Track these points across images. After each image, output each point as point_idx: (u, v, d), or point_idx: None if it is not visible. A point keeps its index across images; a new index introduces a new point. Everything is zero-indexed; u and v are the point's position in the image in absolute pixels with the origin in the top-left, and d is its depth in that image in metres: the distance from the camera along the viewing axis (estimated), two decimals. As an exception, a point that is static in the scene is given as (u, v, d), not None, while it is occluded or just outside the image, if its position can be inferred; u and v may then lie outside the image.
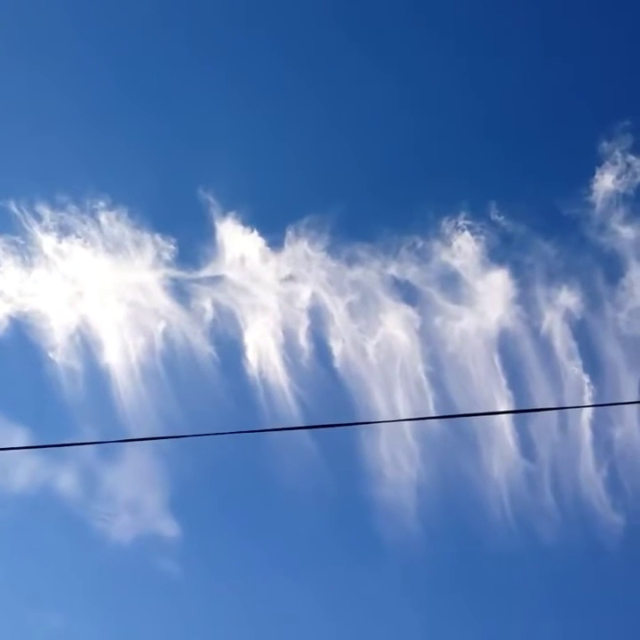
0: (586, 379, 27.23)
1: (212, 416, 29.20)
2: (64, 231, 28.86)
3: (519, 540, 27.42)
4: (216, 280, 29.58)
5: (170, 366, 29.84)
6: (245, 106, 32.01)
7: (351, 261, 29.13)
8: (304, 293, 29.58)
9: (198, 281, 29.55)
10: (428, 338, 28.74)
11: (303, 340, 29.50)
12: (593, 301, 27.72)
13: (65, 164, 30.60)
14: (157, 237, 29.11)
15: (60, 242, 28.91)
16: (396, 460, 28.41)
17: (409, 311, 28.88)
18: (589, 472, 26.76)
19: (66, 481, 29.17)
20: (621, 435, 26.70)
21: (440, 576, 28.77)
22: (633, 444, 26.52)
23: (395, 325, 29.02)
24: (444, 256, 28.60)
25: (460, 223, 28.37)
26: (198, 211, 29.57)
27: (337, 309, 29.31)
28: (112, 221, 28.94)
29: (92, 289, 29.80)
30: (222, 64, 31.46)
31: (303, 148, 32.23)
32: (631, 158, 27.42)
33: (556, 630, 27.19)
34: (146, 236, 29.12)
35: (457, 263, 28.52)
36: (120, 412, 29.12)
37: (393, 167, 31.94)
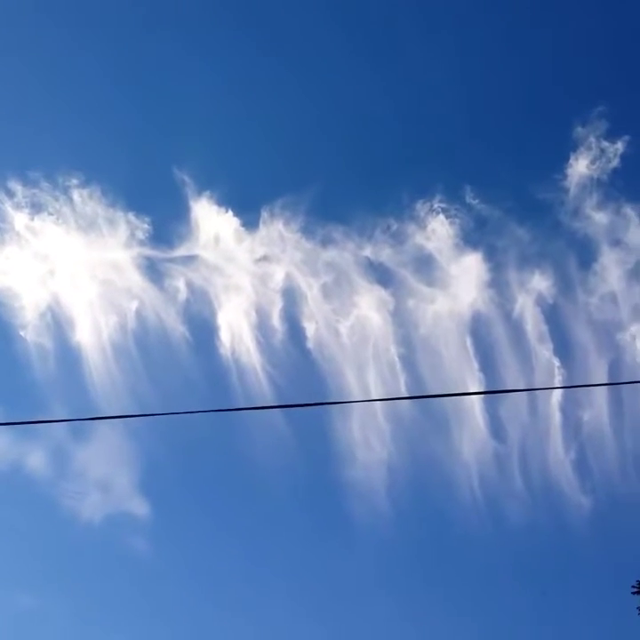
0: (556, 362, 27.50)
1: (185, 395, 29.20)
2: (36, 208, 28.62)
3: (488, 520, 27.71)
4: (190, 260, 29.51)
5: (142, 345, 29.77)
6: (223, 86, 31.82)
7: (326, 243, 29.17)
8: (278, 274, 29.59)
9: (172, 260, 29.47)
10: (401, 320, 28.87)
11: (277, 321, 29.53)
12: (565, 286, 27.95)
13: (38, 139, 30.32)
14: (131, 216, 28.97)
15: (32, 219, 28.66)
16: (368, 441, 28.57)
17: (382, 293, 28.99)
18: (558, 454, 27.05)
19: (36, 459, 29.06)
20: (590, 417, 27.01)
21: (410, 556, 29.02)
22: (601, 427, 26.83)
23: (368, 307, 29.11)
24: (419, 239, 28.70)
25: (435, 206, 28.46)
26: (173, 190, 29.44)
27: (311, 290, 29.35)
28: (85, 199, 28.74)
29: (64, 267, 29.60)
30: (200, 44, 31.23)
31: (279, 129, 32.11)
32: (605, 144, 27.60)
33: (523, 608, 27.52)
34: (119, 215, 28.97)
35: (431, 246, 28.62)
36: (91, 390, 29.03)
37: (369, 149, 31.93)
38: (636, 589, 16.45)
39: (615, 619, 24.14)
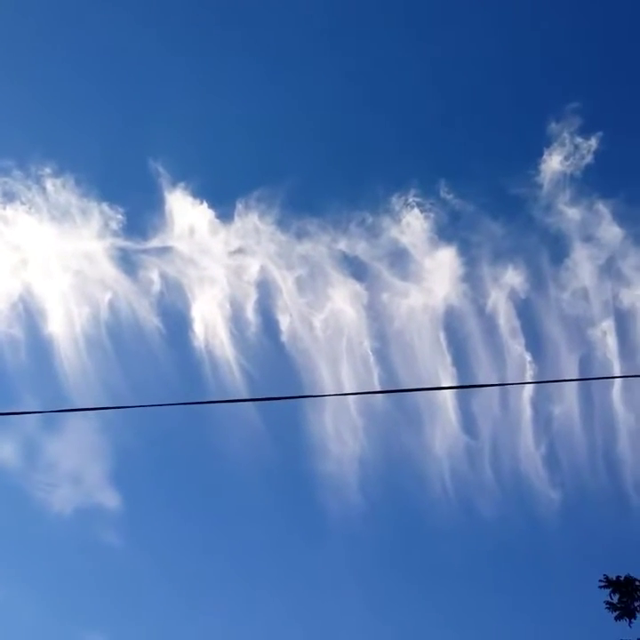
0: (528, 357, 27.67)
1: (158, 387, 29.08)
2: (8, 197, 28.34)
3: (459, 514, 27.87)
4: (164, 251, 29.37)
5: (115, 337, 29.60)
6: (199, 77, 31.65)
7: (301, 235, 29.13)
8: (253, 266, 29.52)
9: (146, 251, 29.31)
10: (375, 313, 28.91)
11: (251, 314, 29.47)
12: (537, 281, 28.11)
13: (10, 128, 30.02)
14: (105, 206, 28.76)
15: (3, 208, 28.37)
16: (341, 434, 28.61)
17: (357, 287, 29.01)
18: (529, 448, 27.26)
19: (6, 450, 28.84)
20: (560, 412, 27.22)
21: (382, 549, 29.12)
22: (571, 422, 27.05)
23: (342, 300, 29.12)
24: (393, 232, 28.74)
25: (410, 200, 28.51)
26: (147, 180, 29.26)
27: (285, 283, 29.32)
28: (58, 188, 28.49)
29: (36, 257, 29.33)
30: (176, 35, 31.03)
31: (255, 122, 32.00)
32: (579, 140, 27.76)
33: (494, 602, 27.73)
34: (93, 205, 28.76)
35: (406, 240, 28.67)
36: (63, 381, 28.85)
37: (345, 143, 31.89)
38: (603, 583, 16.60)
39: (583, 611, 24.39)
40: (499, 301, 28.06)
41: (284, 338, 29.29)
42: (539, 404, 27.31)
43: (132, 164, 30.24)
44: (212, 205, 29.18)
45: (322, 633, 28.32)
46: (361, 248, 28.87)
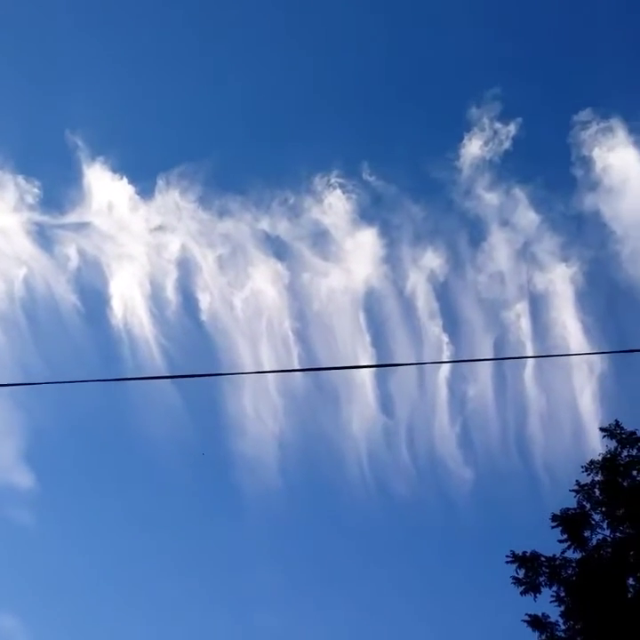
0: (445, 337, 28.10)
1: (75, 366, 28.61)
2: None
3: (375, 492, 28.22)
4: (82, 226, 28.81)
5: (30, 314, 29.00)
6: (121, 49, 31.06)
7: (222, 214, 28.92)
8: (173, 244, 29.20)
9: (63, 227, 28.72)
10: (295, 293, 28.95)
11: (171, 292, 29.18)
12: (456, 264, 28.53)
13: None
14: (20, 179, 28.06)
15: None
16: (259, 414, 28.64)
17: (278, 266, 28.98)
18: (443, 429, 27.73)
19: None
20: (475, 393, 27.75)
21: (298, 528, 29.34)
22: (484, 402, 27.61)
23: (263, 280, 29.06)
24: (315, 213, 28.77)
25: (333, 181, 28.56)
26: (65, 154, 28.64)
27: (206, 262, 29.09)
28: (-29, 160, 27.70)
29: (-53, 230, 28.50)
30: (98, 4, 30.38)
31: (178, 96, 31.61)
32: (498, 125, 28.18)
33: (407, 578, 28.20)
34: (8, 178, 28.06)
35: (327, 220, 28.74)
36: (-25, 358, 28.16)
37: (269, 122, 31.75)
38: (510, 559, 17.00)
39: (493, 587, 25.01)
40: (418, 283, 28.42)
41: (204, 317, 29.13)
42: (454, 385, 27.82)
43: (49, 137, 29.63)
44: (132, 181, 28.77)
45: (239, 611, 28.47)
46: (283, 228, 28.86)
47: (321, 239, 28.79)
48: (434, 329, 28.02)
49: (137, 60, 30.83)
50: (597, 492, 16.79)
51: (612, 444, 16.97)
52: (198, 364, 29.94)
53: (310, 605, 28.29)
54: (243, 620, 28.15)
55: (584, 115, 27.68)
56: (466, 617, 26.69)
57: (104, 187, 28.62)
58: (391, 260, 28.71)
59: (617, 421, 17.14)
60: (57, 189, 28.68)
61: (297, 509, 29.03)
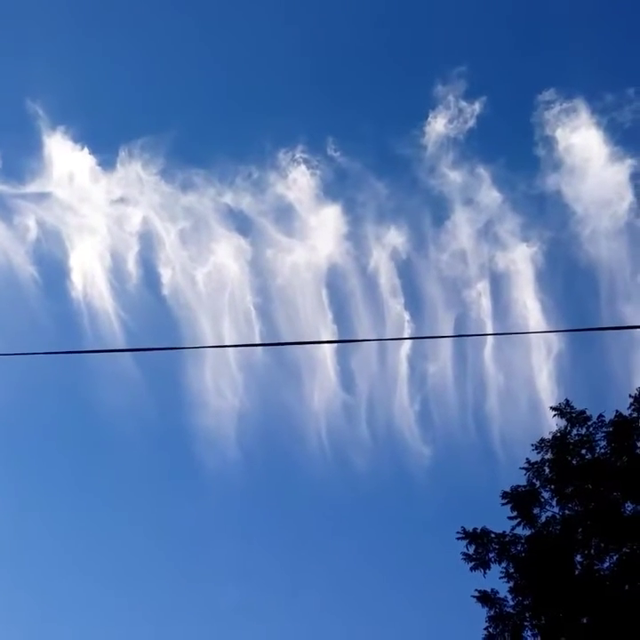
0: (406, 315, 28.19)
1: (33, 338, 28.35)
2: None
3: (334, 468, 28.35)
4: (42, 197, 28.44)
5: (-12, 285, 28.67)
6: (83, 16, 30.53)
7: (185, 187, 28.67)
8: (135, 217, 28.92)
9: (22, 197, 28.34)
10: (258, 269, 28.84)
11: (132, 265, 28.94)
12: (418, 242, 28.55)
13: None
14: (-22, 148, 27.64)
15: None
16: (220, 389, 28.60)
17: (241, 241, 28.83)
18: (403, 405, 27.87)
19: None
20: (435, 370, 27.89)
21: (258, 502, 29.43)
22: (444, 380, 27.77)
23: (226, 255, 28.91)
24: (279, 188, 28.60)
25: (297, 156, 28.39)
26: (25, 122, 28.20)
27: (168, 235, 28.86)
28: None
29: None
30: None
31: (143, 67, 31.21)
32: (463, 104, 28.12)
33: (364, 548, 28.41)
34: (-35, 146, 27.62)
35: (291, 196, 28.59)
36: None
37: (233, 95, 31.45)
38: (460, 535, 17.17)
39: (446, 562, 25.31)
40: (380, 260, 28.42)
41: (165, 290, 28.95)
42: (415, 362, 27.94)
43: (7, 105, 29.16)
44: (93, 151, 28.42)
45: (197, 585, 28.54)
46: (246, 202, 28.68)
47: (284, 215, 28.69)
48: (396, 306, 28.12)
49: (100, 29, 30.33)
50: (547, 470, 16.97)
51: (563, 422, 17.17)
52: (159, 337, 29.84)
53: (271, 578, 28.47)
54: (203, 593, 28.27)
55: (548, 94, 27.74)
56: (417, 590, 27.06)
57: (65, 157, 28.29)
58: (354, 236, 28.69)
59: (567, 400, 17.33)
60: (16, 159, 28.32)
61: (257, 483, 29.14)
